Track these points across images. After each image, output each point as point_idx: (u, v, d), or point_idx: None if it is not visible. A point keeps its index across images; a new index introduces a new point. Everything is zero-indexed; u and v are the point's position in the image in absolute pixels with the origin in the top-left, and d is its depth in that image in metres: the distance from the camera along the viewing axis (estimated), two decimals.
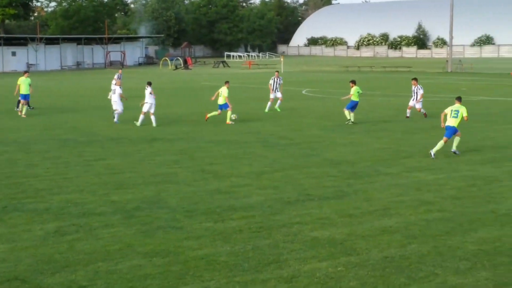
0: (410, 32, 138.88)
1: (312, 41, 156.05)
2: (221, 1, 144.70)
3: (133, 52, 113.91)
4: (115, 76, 36.65)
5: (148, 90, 29.32)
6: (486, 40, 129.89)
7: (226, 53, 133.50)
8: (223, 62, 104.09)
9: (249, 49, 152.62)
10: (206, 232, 12.85)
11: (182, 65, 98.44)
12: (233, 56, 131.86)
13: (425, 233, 12.62)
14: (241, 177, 17.92)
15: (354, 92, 29.48)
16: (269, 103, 35.44)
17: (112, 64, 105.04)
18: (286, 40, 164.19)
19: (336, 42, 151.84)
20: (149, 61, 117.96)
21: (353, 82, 30.34)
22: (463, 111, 20.98)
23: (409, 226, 13.09)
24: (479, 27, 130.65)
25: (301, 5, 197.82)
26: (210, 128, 28.60)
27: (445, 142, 20.89)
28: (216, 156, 21.32)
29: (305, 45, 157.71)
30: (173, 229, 13.02)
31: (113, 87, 31.86)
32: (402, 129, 27.56)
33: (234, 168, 19.29)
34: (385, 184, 16.92)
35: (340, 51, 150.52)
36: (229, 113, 30.12)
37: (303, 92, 48.82)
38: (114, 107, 30.75)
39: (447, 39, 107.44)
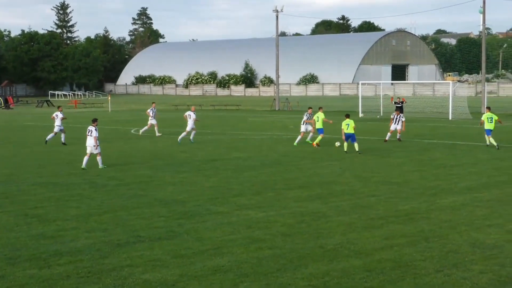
0: (237, 70, 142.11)
1: (140, 80, 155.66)
2: (43, 38, 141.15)
3: None
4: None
5: None
6: (311, 79, 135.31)
7: (50, 92, 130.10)
8: (47, 101, 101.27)
9: (74, 87, 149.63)
10: (30, 279, 12.31)
11: (2, 105, 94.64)
12: (58, 95, 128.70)
13: (257, 271, 12.80)
14: (68, 220, 17.40)
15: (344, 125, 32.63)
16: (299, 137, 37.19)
17: None
18: (114, 79, 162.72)
19: (164, 81, 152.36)
20: None
21: (347, 115, 33.11)
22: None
23: (241, 264, 13.23)
24: (304, 67, 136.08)
25: (127, 43, 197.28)
26: (33, 169, 27.63)
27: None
28: (40, 199, 20.59)
29: (133, 84, 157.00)
30: None
31: None
32: (232, 167, 27.96)
33: (60, 211, 18.70)
34: (216, 223, 17.04)
35: (169, 89, 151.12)
36: (320, 137, 35.06)
37: (132, 131, 48.43)
38: None
39: (274, 77, 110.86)
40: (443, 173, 25.60)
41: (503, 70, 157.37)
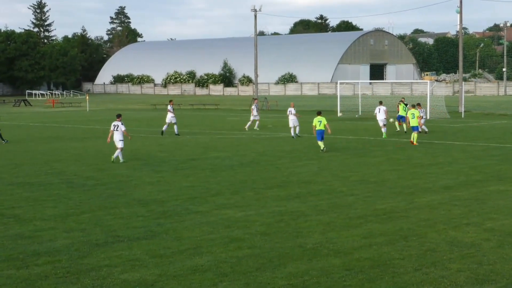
0: (216, 70, 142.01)
1: (118, 79, 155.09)
2: (20, 37, 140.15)
3: None
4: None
5: None
6: (289, 78, 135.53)
7: (27, 91, 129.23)
8: (25, 100, 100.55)
9: (52, 87, 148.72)
10: (8, 280, 12.22)
11: None
12: (35, 94, 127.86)
13: (236, 270, 12.80)
14: (45, 220, 17.30)
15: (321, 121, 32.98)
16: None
17: None
18: (91, 78, 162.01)
19: (143, 80, 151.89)
20: None
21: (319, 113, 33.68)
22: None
23: (220, 264, 13.22)
24: (282, 66, 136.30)
25: (105, 42, 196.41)
26: (9, 169, 27.43)
27: None
28: (17, 199, 20.44)
29: (111, 83, 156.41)
30: None
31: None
32: (210, 166, 27.93)
33: (37, 211, 18.58)
34: (195, 223, 17.01)
35: (147, 88, 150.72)
36: (416, 135, 35.52)
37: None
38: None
39: (252, 77, 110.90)
40: (420, 172, 25.73)
41: (480, 70, 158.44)
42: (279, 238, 15.37)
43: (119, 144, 29.76)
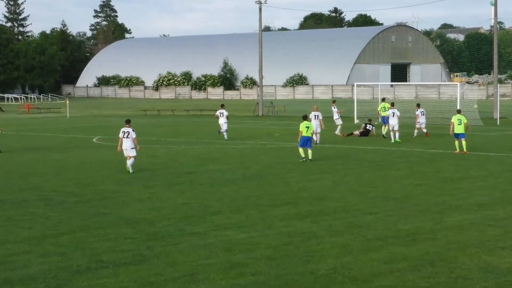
0: (215, 70, 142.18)
1: (104, 81, 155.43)
2: None
3: None
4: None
5: None
6: (299, 80, 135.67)
7: None
8: None
9: (27, 90, 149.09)
10: None
11: None
12: (8, 98, 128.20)
13: None
14: (19, 243, 17.30)
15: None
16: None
17: None
18: (73, 80, 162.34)
19: (131, 82, 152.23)
20: None
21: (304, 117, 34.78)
22: None
23: None
24: (291, 66, 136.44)
25: (89, 38, 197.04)
26: None
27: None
28: None
29: (95, 85, 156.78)
30: None
31: None
32: (209, 181, 27.93)
33: (10, 233, 18.58)
34: (191, 245, 16.98)
35: (136, 92, 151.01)
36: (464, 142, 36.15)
37: (94, 140, 48.30)
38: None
39: (256, 78, 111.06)
40: (450, 188, 25.69)
41: None
42: (287, 263, 15.34)
43: (132, 153, 30.50)
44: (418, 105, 49.45)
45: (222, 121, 46.88)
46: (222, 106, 48.44)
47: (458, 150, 36.40)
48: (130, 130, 30.57)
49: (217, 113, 47.54)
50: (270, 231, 18.54)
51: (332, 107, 50.52)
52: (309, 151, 33.76)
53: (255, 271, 14.72)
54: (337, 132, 49.11)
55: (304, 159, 33.60)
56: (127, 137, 30.55)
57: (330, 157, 35.81)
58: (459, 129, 36.38)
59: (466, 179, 27.88)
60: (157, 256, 16.00)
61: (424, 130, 47.19)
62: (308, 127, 33.66)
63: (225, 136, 46.54)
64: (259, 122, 68.58)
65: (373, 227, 18.89)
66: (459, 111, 38.16)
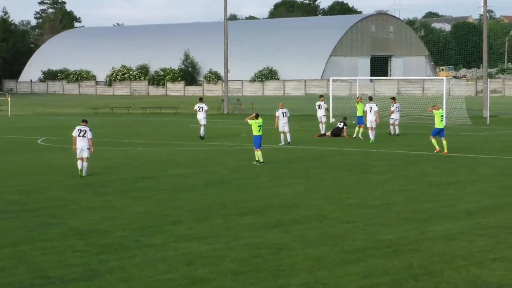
0: (175, 64, 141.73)
1: (50, 75, 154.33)
2: None
3: None
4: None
5: None
6: (268, 75, 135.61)
7: None
8: None
9: None
10: None
11: None
12: None
13: None
14: None
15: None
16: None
17: None
18: (15, 74, 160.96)
19: (81, 77, 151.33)
20: None
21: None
22: None
23: None
24: (260, 59, 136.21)
25: (33, 28, 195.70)
26: None
27: None
28: None
29: (41, 80, 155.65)
30: None
31: None
32: (168, 187, 27.87)
33: None
34: (148, 259, 16.95)
35: (87, 87, 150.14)
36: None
37: (39, 141, 47.97)
38: None
39: (221, 73, 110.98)
40: (435, 193, 25.85)
41: (509, 64, 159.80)
42: (255, 278, 15.35)
43: (86, 154, 30.31)
44: (393, 99, 50.32)
45: (201, 116, 47.45)
46: (201, 100, 49.12)
47: (438, 148, 36.87)
48: (87, 129, 30.47)
49: (196, 107, 48.12)
50: (236, 243, 18.54)
51: (322, 103, 49.49)
52: (259, 152, 34.09)
53: (219, 286, 14.71)
54: (323, 131, 48.66)
55: (258, 161, 33.85)
56: (83, 136, 30.37)
57: (303, 159, 35.87)
58: (440, 125, 36.94)
59: (453, 184, 28.06)
60: (110, 271, 15.94)
61: (396, 128, 47.98)
62: (260, 126, 34.14)
63: (202, 132, 47.20)
64: (225, 121, 68.51)
65: (350, 238, 18.95)
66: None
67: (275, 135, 43.05)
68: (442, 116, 37.61)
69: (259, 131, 34.00)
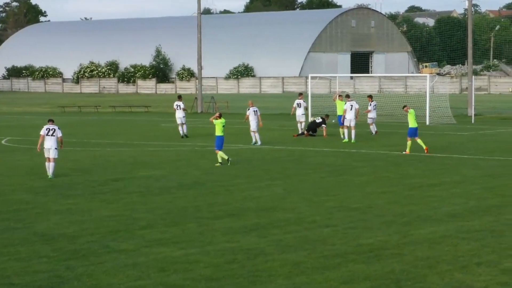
0: (146, 60, 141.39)
1: (14, 72, 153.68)
2: None
3: None
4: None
5: None
6: (244, 72, 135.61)
7: None
8: None
9: None
10: None
11: None
12: None
13: None
14: None
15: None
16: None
17: None
18: None
19: (47, 74, 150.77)
20: None
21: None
22: None
23: None
24: (235, 55, 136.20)
25: None
26: None
27: None
28: None
29: (4, 77, 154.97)
30: None
31: None
32: (139, 189, 27.81)
33: None
34: (118, 265, 16.91)
35: (53, 85, 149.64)
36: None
37: (4, 142, 47.74)
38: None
39: (195, 69, 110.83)
40: (418, 196, 25.94)
41: (495, 60, 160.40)
42: (230, 284, 15.36)
43: (53, 154, 30.18)
44: (370, 97, 50.34)
45: (180, 114, 47.90)
46: (180, 98, 49.61)
47: (407, 151, 37.24)
48: (56, 127, 30.38)
49: (174, 105, 48.49)
50: (211, 248, 18.54)
51: (302, 101, 49.78)
52: (221, 152, 34.21)
53: None
54: (301, 130, 48.59)
55: (228, 160, 33.84)
56: (52, 135, 30.20)
57: (281, 160, 35.90)
58: (416, 124, 37.39)
59: (436, 185, 28.16)
60: (78, 277, 15.90)
61: (372, 127, 48.34)
62: (224, 126, 34.35)
63: (183, 130, 47.90)
64: (198, 120, 68.41)
65: (330, 242, 19.00)
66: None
67: (248, 135, 43.05)
68: (415, 115, 37.90)
69: (222, 132, 34.12)
